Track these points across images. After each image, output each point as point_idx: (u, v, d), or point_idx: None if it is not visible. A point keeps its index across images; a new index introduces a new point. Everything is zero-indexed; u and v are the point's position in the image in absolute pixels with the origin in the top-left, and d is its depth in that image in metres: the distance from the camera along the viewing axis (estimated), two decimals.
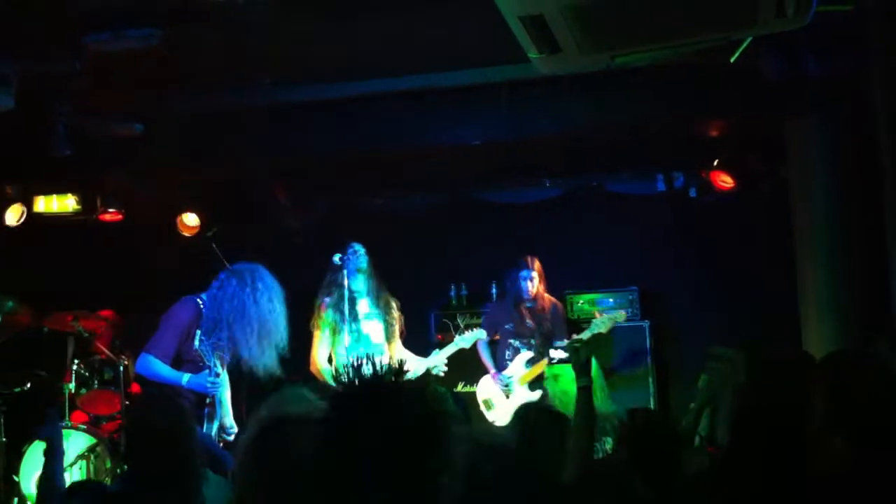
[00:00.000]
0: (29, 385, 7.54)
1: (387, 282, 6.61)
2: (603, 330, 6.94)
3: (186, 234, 8.23)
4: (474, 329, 7.05)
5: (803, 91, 5.90)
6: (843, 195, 6.03)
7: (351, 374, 1.95)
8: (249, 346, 5.36)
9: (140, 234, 8.26)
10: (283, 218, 8.45)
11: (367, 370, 1.95)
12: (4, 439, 7.27)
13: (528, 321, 7.18)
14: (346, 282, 6.18)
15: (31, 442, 7.17)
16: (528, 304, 7.20)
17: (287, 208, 8.40)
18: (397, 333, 6.46)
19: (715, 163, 7.46)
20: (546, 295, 7.28)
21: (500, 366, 7.23)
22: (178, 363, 5.41)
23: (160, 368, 5.35)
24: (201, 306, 5.45)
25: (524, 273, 7.17)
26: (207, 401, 5.38)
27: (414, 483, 1.90)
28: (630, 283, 8.00)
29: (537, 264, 7.20)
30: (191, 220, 8.22)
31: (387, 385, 1.95)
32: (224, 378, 5.51)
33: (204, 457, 3.58)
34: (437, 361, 6.55)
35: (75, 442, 7.13)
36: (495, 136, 6.61)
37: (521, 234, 8.10)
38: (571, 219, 8.24)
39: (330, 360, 6.27)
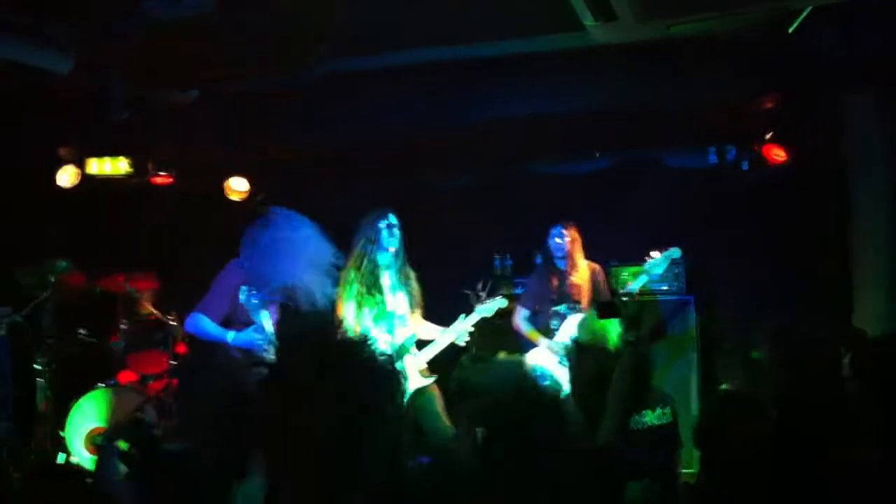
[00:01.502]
0: (79, 344, 7.67)
1: (432, 253, 6.58)
2: (660, 270, 6.89)
3: (235, 198, 8.28)
4: (497, 297, 6.86)
5: (860, 66, 5.80)
6: None
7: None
8: (298, 279, 5.40)
9: (190, 197, 8.32)
10: (330, 192, 8.45)
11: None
12: (54, 397, 7.41)
13: (569, 285, 7.10)
14: (375, 254, 6.15)
15: (77, 398, 7.31)
16: (563, 269, 7.12)
17: (335, 183, 8.39)
18: (418, 304, 6.41)
19: (768, 136, 7.34)
20: (584, 260, 7.19)
21: (549, 336, 7.12)
22: (228, 327, 5.49)
23: (207, 325, 5.45)
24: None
25: (555, 231, 7.11)
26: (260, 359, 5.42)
27: None
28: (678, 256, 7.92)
29: (572, 229, 7.13)
30: (240, 184, 8.27)
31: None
32: (269, 336, 5.53)
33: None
34: (459, 331, 6.44)
35: (123, 400, 7.27)
36: (548, 108, 6.55)
37: (568, 207, 8.02)
38: (620, 191, 8.16)
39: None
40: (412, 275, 6.36)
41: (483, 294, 6.62)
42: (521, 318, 7.24)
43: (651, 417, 4.33)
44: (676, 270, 7.92)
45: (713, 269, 8.08)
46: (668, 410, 4.34)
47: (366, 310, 6.14)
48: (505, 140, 7.64)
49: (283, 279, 5.42)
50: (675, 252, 6.96)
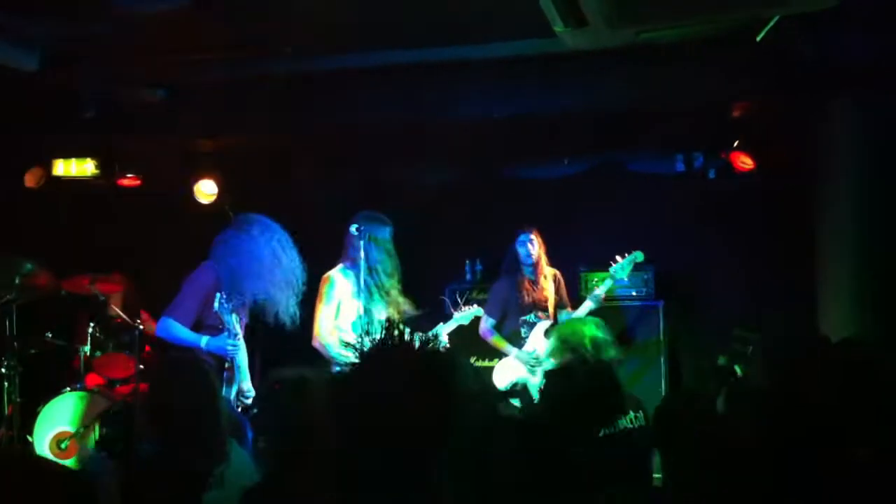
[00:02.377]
0: (45, 347, 7.58)
1: (405, 256, 6.58)
2: (624, 275, 7.04)
3: (203, 200, 8.22)
4: (474, 306, 6.97)
5: (829, 75, 5.86)
6: (870, 180, 5.99)
7: (364, 340, 2.10)
8: (269, 293, 5.41)
9: (157, 200, 8.26)
10: (303, 190, 8.43)
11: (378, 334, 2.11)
12: (20, 400, 7.33)
13: (538, 290, 7.15)
14: (361, 254, 6.11)
15: (45, 403, 7.24)
16: (530, 276, 7.17)
17: (308, 180, 8.38)
18: (400, 310, 6.35)
19: (735, 144, 7.41)
20: (547, 266, 7.27)
21: (517, 345, 7.17)
22: (198, 329, 5.45)
23: (179, 331, 5.41)
24: (218, 270, 5.48)
25: (523, 237, 7.15)
26: (226, 365, 5.40)
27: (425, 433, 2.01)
28: (646, 262, 7.95)
29: (537, 234, 7.20)
30: (208, 187, 8.22)
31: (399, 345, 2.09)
32: (242, 343, 5.54)
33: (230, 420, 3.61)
34: (439, 337, 6.45)
35: (90, 404, 7.20)
36: (521, 110, 6.57)
37: (538, 212, 8.04)
38: (589, 197, 8.21)
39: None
40: (396, 279, 6.30)
41: (460, 302, 6.70)
42: (488, 327, 7.27)
43: (625, 421, 4.36)
44: (645, 276, 7.98)
45: (681, 275, 8.14)
46: (640, 414, 4.36)
47: (345, 313, 6.10)
48: (474, 144, 7.65)
49: (255, 290, 5.42)
50: (639, 255, 7.05)
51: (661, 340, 7.83)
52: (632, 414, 4.34)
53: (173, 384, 3.65)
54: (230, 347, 5.36)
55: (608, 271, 7.18)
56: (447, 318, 7.02)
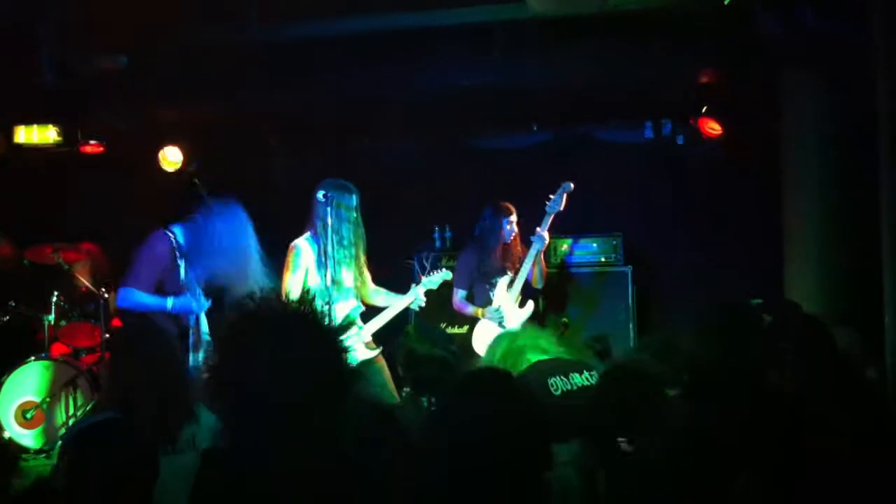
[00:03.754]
0: (8, 317, 7.50)
1: (373, 225, 6.52)
2: (558, 207, 7.02)
3: (168, 168, 8.13)
4: (442, 270, 6.93)
5: (796, 41, 5.85)
6: (834, 145, 6.01)
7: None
8: (224, 273, 5.36)
9: (121, 167, 8.15)
10: (268, 159, 8.37)
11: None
12: None
13: (506, 259, 7.18)
14: (329, 221, 6.05)
15: (9, 373, 7.17)
16: (504, 247, 7.19)
17: (273, 150, 8.31)
18: (367, 274, 6.32)
19: (703, 110, 7.41)
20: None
21: (484, 305, 7.21)
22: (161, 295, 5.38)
23: (142, 297, 5.30)
24: (171, 238, 5.40)
25: (508, 218, 7.16)
26: (192, 330, 5.36)
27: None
28: (615, 229, 8.00)
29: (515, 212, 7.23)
30: (174, 154, 8.12)
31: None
32: (203, 300, 5.47)
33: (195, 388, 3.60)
34: (415, 295, 6.47)
35: (55, 374, 7.15)
36: (486, 79, 6.53)
37: (507, 180, 8.05)
38: (558, 165, 8.18)
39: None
40: (362, 247, 6.22)
41: (428, 266, 6.66)
42: (459, 298, 7.27)
43: (580, 379, 4.35)
44: (614, 243, 8.02)
45: (650, 241, 8.18)
46: (594, 373, 4.36)
47: (313, 280, 6.06)
48: (442, 112, 7.62)
49: (210, 268, 5.37)
50: (568, 186, 7.04)
51: (630, 306, 7.87)
52: (586, 373, 4.34)
53: (133, 350, 3.67)
54: (195, 305, 5.31)
55: (578, 238, 7.18)
56: (416, 283, 7.01)
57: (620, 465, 3.49)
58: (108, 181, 8.16)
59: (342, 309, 6.12)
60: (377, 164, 8.34)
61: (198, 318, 5.42)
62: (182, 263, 5.30)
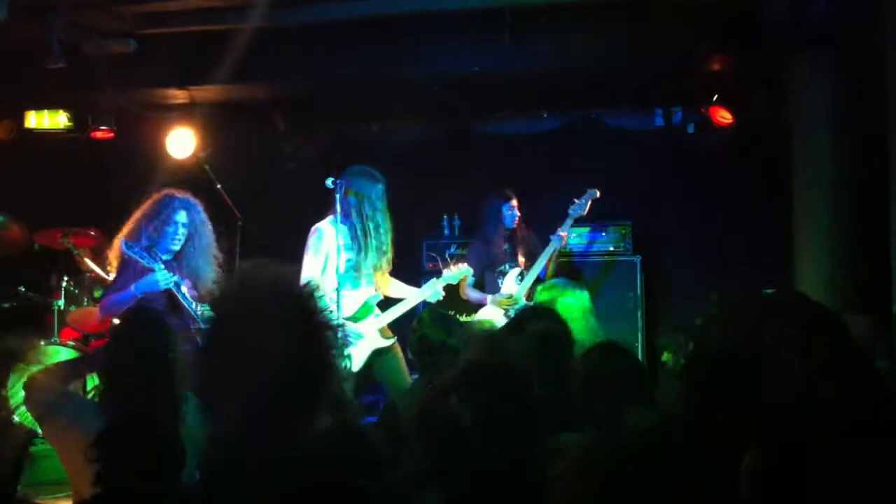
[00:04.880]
0: (17, 302, 7.52)
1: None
2: (583, 212, 7.07)
3: (178, 154, 8.12)
4: (464, 265, 6.90)
5: (807, 29, 5.82)
6: (844, 135, 5.98)
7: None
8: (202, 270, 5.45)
9: (132, 153, 8.16)
10: (277, 143, 8.37)
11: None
12: None
13: (513, 245, 7.18)
14: (337, 207, 5.99)
15: None
16: (507, 236, 7.20)
17: (282, 134, 8.32)
18: (388, 263, 6.27)
19: (714, 98, 7.38)
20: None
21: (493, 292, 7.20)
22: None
23: (112, 298, 5.43)
24: (136, 247, 5.41)
25: (509, 203, 7.15)
26: (179, 299, 5.36)
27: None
28: (624, 217, 7.97)
29: (516, 199, 7.21)
30: (183, 140, 8.10)
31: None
32: (169, 274, 5.41)
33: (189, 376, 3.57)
34: (434, 290, 6.44)
35: (64, 359, 7.17)
36: (496, 65, 6.51)
37: (517, 167, 8.05)
38: (567, 152, 8.18)
39: None
40: (387, 234, 6.17)
41: (450, 260, 6.69)
42: (468, 286, 7.27)
43: None
44: (623, 232, 8.00)
45: (660, 230, 8.15)
46: None
47: (334, 264, 6.02)
48: (452, 98, 7.61)
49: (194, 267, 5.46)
50: (594, 192, 7.05)
51: (639, 295, 7.86)
52: None
53: (126, 339, 3.61)
54: (161, 278, 5.26)
55: (587, 227, 7.20)
56: (432, 273, 7.04)
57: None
58: (118, 166, 8.18)
59: (362, 295, 6.09)
60: (386, 150, 8.34)
61: (179, 289, 5.38)
62: (123, 242, 5.33)
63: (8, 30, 5.58)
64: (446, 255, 6.76)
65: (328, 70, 6.71)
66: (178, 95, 7.49)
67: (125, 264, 5.46)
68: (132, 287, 5.31)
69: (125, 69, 6.62)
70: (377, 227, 6.03)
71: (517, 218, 7.18)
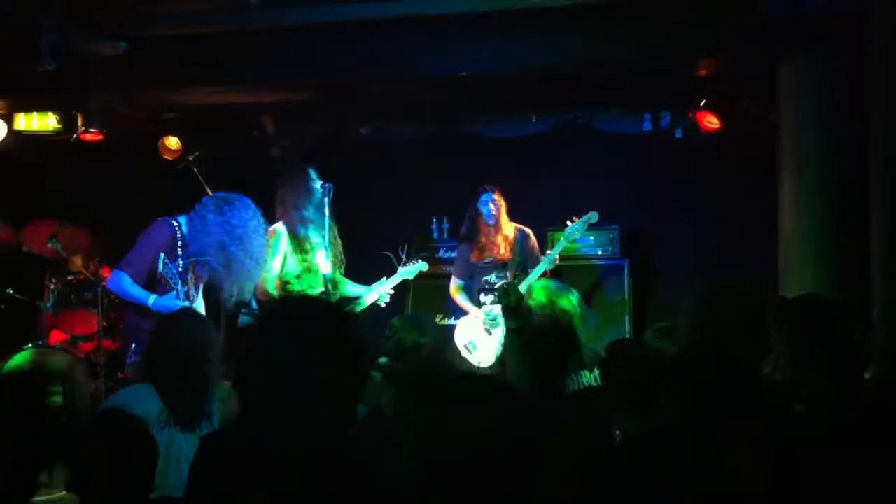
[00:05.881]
0: (5, 305, 7.51)
1: (371, 214, 6.58)
2: (578, 235, 7.03)
3: (168, 157, 8.13)
4: (418, 261, 6.96)
5: (796, 33, 5.86)
6: (832, 139, 6.00)
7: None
8: (222, 280, 5.38)
9: (121, 155, 8.17)
10: (267, 145, 8.38)
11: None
12: None
13: (494, 251, 7.14)
14: (305, 212, 6.29)
15: (6, 360, 7.16)
16: (490, 236, 7.14)
17: (272, 136, 8.33)
18: (341, 263, 6.54)
19: (702, 103, 7.43)
20: (511, 224, 7.21)
21: (478, 304, 7.18)
22: (153, 286, 5.37)
23: (129, 287, 5.33)
24: (176, 228, 5.41)
25: (485, 196, 7.14)
26: None
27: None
28: (612, 221, 8.00)
29: (498, 193, 7.16)
30: (172, 143, 8.12)
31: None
32: (198, 301, 5.50)
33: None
34: (382, 291, 6.55)
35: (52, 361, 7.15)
36: (484, 67, 6.53)
37: (505, 170, 8.06)
38: (556, 155, 8.22)
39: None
40: (336, 234, 6.46)
41: (404, 257, 6.72)
42: (455, 288, 7.31)
43: (589, 378, 4.40)
44: (611, 235, 8.02)
45: (647, 234, 8.19)
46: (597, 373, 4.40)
47: (291, 265, 6.19)
48: (440, 101, 7.63)
49: (211, 272, 5.39)
50: (593, 216, 7.03)
51: (626, 299, 7.88)
52: (597, 371, 4.37)
53: (165, 332, 3.97)
54: (173, 305, 5.26)
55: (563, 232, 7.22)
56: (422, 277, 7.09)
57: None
58: (108, 168, 8.18)
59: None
60: (375, 152, 8.37)
61: None
62: (162, 256, 5.29)
63: None
64: (400, 252, 6.77)
65: (317, 72, 6.72)
66: (168, 97, 7.49)
67: (155, 243, 5.38)
68: (150, 299, 5.28)
69: (115, 71, 6.62)
70: (307, 225, 6.35)
71: (496, 213, 7.13)
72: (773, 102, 6.53)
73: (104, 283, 7.08)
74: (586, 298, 7.73)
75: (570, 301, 5.14)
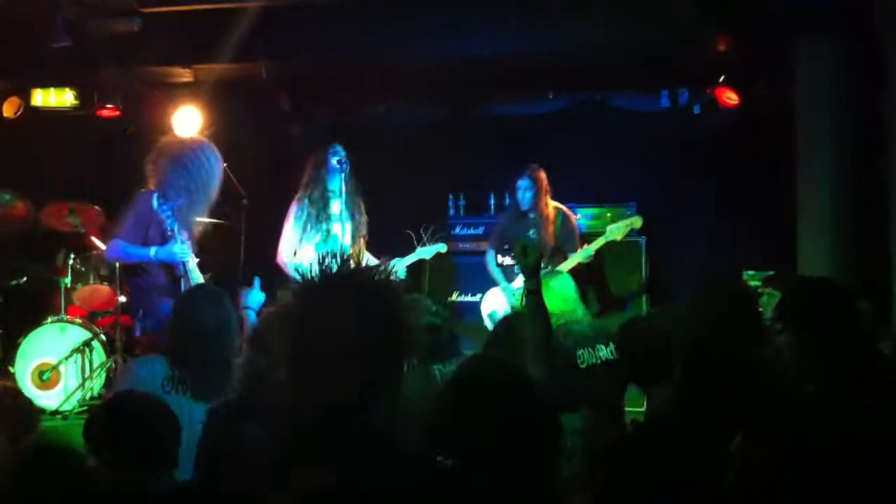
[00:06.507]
0: (24, 280, 7.56)
1: (388, 192, 6.57)
2: (618, 237, 6.95)
3: (183, 132, 8.12)
4: (438, 242, 6.93)
5: (813, 10, 5.80)
6: (849, 116, 5.95)
7: (316, 270, 2.01)
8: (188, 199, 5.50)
9: (137, 130, 8.17)
10: (282, 122, 8.37)
11: (332, 265, 2.01)
12: (0, 331, 7.34)
13: (532, 233, 7.08)
14: (326, 183, 6.26)
15: (26, 335, 7.24)
16: (531, 216, 7.10)
17: (288, 114, 8.32)
18: (362, 237, 6.52)
19: (721, 79, 7.35)
20: (552, 204, 7.09)
21: (510, 279, 7.16)
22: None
23: (127, 247, 5.43)
24: (153, 198, 5.46)
25: (520, 183, 7.08)
26: (181, 273, 5.41)
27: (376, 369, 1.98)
28: (629, 199, 7.96)
29: (538, 174, 7.04)
30: (188, 118, 8.11)
31: (350, 280, 2.02)
32: (188, 247, 5.53)
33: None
34: (399, 268, 6.50)
35: (71, 336, 7.22)
36: (503, 48, 6.49)
37: (522, 147, 8.02)
38: (573, 133, 8.15)
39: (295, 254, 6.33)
40: (361, 207, 6.44)
41: (425, 237, 6.70)
42: (488, 259, 7.28)
43: (605, 352, 4.41)
44: (628, 213, 7.97)
45: (665, 211, 8.13)
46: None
47: (310, 235, 6.22)
48: (458, 79, 7.59)
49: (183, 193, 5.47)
50: (637, 221, 7.02)
51: (643, 278, 7.85)
52: (612, 345, 4.38)
53: (185, 309, 4.00)
54: (178, 251, 5.35)
55: (594, 207, 7.15)
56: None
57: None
58: (124, 144, 8.19)
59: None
60: (391, 130, 8.34)
61: (186, 266, 5.43)
62: (155, 196, 5.36)
63: (14, 8, 5.60)
64: (422, 232, 6.75)
65: (333, 50, 6.71)
66: (183, 73, 7.50)
67: (140, 213, 5.46)
68: (152, 250, 5.36)
69: (130, 47, 6.62)
70: (326, 195, 6.32)
71: (532, 198, 7.02)
72: (790, 77, 6.48)
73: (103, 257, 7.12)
74: (604, 276, 7.74)
75: (563, 279, 5.08)
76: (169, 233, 5.37)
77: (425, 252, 6.76)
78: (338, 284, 2.01)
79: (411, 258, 6.71)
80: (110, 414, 2.99)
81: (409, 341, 2.03)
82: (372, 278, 2.04)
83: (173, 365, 3.79)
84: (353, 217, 6.36)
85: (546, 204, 7.05)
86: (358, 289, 2.02)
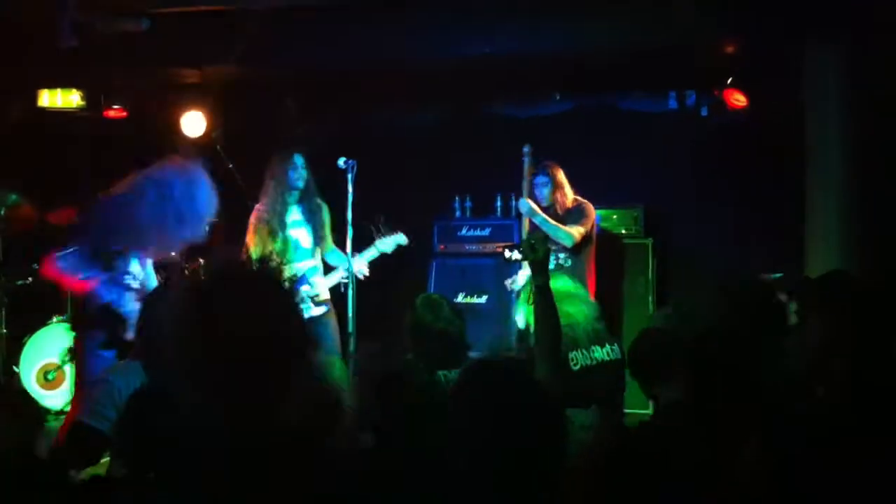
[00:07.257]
0: (30, 280, 7.57)
1: (393, 192, 6.53)
2: (388, 250, 6.80)
3: (191, 133, 8.13)
4: (398, 233, 6.72)
5: (821, 12, 5.78)
6: (858, 117, 5.93)
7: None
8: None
9: (144, 132, 8.17)
10: (289, 124, 8.36)
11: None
12: (6, 331, 7.35)
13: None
14: (281, 192, 6.41)
15: (31, 334, 7.24)
16: (550, 212, 7.00)
17: (295, 117, 8.31)
18: (327, 237, 6.61)
19: (729, 81, 7.33)
20: (571, 197, 7.02)
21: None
22: None
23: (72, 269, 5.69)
24: None
25: (537, 179, 7.04)
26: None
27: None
28: (636, 200, 7.94)
29: (554, 170, 6.98)
30: (196, 120, 8.12)
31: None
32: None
33: None
34: (358, 267, 6.32)
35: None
36: (509, 49, 6.47)
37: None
38: (580, 134, 8.13)
39: None
40: (322, 208, 6.57)
41: (382, 229, 6.47)
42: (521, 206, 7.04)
43: (600, 353, 4.37)
44: (635, 214, 7.96)
45: (672, 213, 8.12)
46: (615, 348, 4.38)
47: (267, 242, 6.38)
48: (464, 79, 7.57)
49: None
50: (402, 238, 6.62)
51: (650, 279, 7.83)
52: (608, 346, 4.35)
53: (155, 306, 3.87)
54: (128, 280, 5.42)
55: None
56: (444, 254, 7.03)
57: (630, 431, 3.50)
58: (131, 145, 8.19)
59: (296, 268, 6.36)
60: (398, 130, 8.33)
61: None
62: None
63: (21, 8, 5.60)
64: (378, 224, 6.50)
65: (340, 51, 6.70)
66: (191, 75, 7.50)
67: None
68: (103, 288, 5.42)
69: (137, 48, 6.63)
70: (284, 203, 6.48)
71: (549, 193, 6.96)
72: (799, 79, 6.46)
73: None
74: (611, 277, 7.71)
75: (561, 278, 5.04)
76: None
77: (385, 245, 6.45)
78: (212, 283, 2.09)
79: (371, 252, 6.43)
80: None
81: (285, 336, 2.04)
82: (246, 273, 2.09)
83: (148, 369, 3.68)
84: (312, 219, 6.49)
85: (565, 197, 7.00)
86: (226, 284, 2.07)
